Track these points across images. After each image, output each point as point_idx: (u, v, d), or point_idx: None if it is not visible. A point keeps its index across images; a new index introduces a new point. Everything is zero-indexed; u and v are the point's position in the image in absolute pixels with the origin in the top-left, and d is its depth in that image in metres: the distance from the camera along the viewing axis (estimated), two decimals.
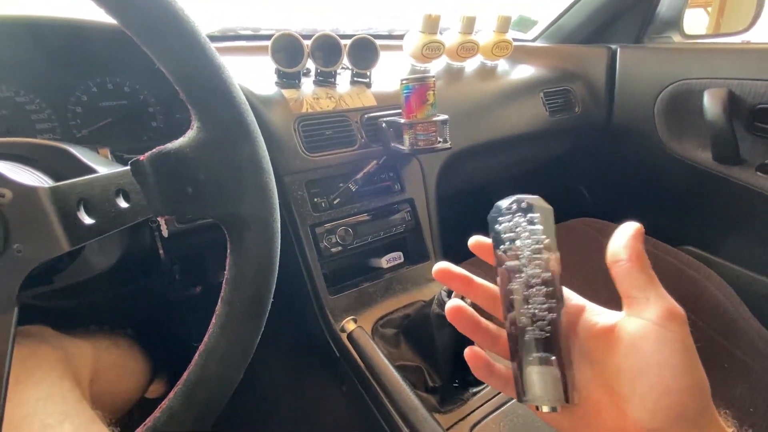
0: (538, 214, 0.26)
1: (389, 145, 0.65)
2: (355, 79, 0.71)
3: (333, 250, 0.63)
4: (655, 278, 0.23)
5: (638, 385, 0.22)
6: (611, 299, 0.76)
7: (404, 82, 0.59)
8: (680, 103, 0.91)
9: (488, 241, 0.27)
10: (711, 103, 0.83)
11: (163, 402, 0.28)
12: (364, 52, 0.69)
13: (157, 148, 0.27)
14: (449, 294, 0.50)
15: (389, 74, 0.74)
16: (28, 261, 0.26)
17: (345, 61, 0.67)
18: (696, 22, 1.28)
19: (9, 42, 0.49)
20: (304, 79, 0.67)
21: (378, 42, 0.69)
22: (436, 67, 0.86)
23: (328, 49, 0.66)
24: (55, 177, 0.33)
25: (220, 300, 0.29)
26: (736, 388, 0.61)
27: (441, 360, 0.53)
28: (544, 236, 0.26)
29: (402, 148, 0.62)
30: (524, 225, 0.26)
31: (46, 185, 0.26)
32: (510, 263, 0.26)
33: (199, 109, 0.28)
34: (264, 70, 0.66)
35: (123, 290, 0.64)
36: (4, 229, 0.25)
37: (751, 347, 0.68)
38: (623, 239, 0.24)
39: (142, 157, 0.27)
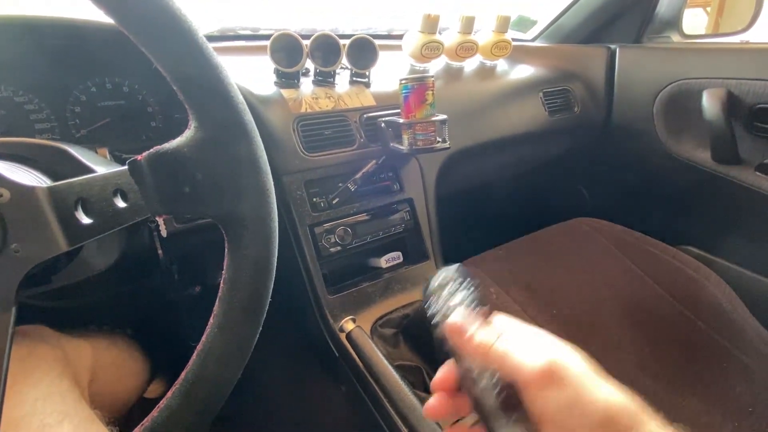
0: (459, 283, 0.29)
1: (388, 145, 0.65)
2: (354, 78, 0.71)
3: (332, 250, 0.63)
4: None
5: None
6: (610, 297, 0.76)
7: (403, 81, 0.59)
8: (679, 102, 0.91)
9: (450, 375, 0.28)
10: (710, 103, 0.83)
11: (161, 402, 0.28)
12: (363, 51, 0.69)
13: (155, 147, 0.27)
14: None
15: (388, 74, 0.75)
16: (27, 261, 0.26)
17: (344, 60, 0.68)
18: (695, 21, 1.29)
19: (8, 42, 0.49)
20: (303, 79, 0.67)
21: (377, 42, 0.69)
22: (435, 66, 0.86)
23: (327, 48, 0.66)
24: (54, 177, 0.33)
25: (217, 299, 0.29)
26: (735, 388, 0.61)
27: (440, 360, 0.53)
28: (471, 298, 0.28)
29: (401, 147, 0.62)
30: (457, 295, 0.28)
31: (45, 185, 0.26)
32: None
33: (197, 109, 0.28)
34: (263, 69, 0.66)
35: (122, 290, 0.64)
36: (2, 229, 0.26)
37: (750, 347, 0.68)
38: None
39: (139, 157, 0.27)
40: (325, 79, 0.68)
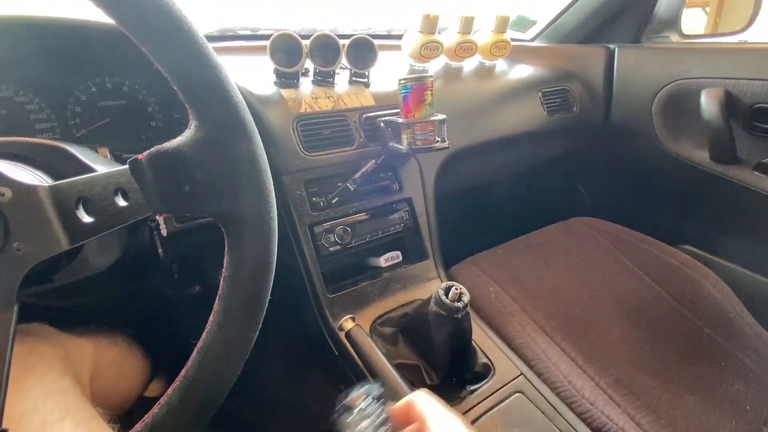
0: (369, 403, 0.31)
1: (387, 145, 0.66)
2: (354, 78, 0.72)
3: (331, 249, 0.63)
4: None
5: None
6: (608, 296, 0.76)
7: (402, 81, 0.59)
8: (678, 102, 0.92)
9: None
10: (708, 103, 0.84)
11: (162, 398, 0.28)
12: (363, 51, 0.69)
13: (155, 147, 0.28)
14: (447, 293, 0.50)
15: (388, 74, 0.75)
16: (28, 259, 0.27)
17: (343, 60, 0.68)
18: (694, 21, 1.29)
19: (8, 42, 0.49)
20: (302, 79, 0.68)
21: (376, 42, 0.69)
22: (434, 66, 0.87)
23: (326, 48, 0.66)
24: (55, 176, 0.34)
25: (217, 297, 0.30)
26: (733, 386, 0.61)
27: (439, 358, 0.54)
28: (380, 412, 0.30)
29: (400, 147, 0.62)
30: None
31: (46, 184, 0.27)
32: None
33: (197, 109, 0.28)
34: (263, 70, 0.66)
35: (122, 289, 0.64)
36: (3, 228, 0.26)
37: (747, 345, 0.68)
38: None
39: (140, 156, 0.27)
40: (324, 79, 0.69)
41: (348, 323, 0.58)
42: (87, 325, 0.60)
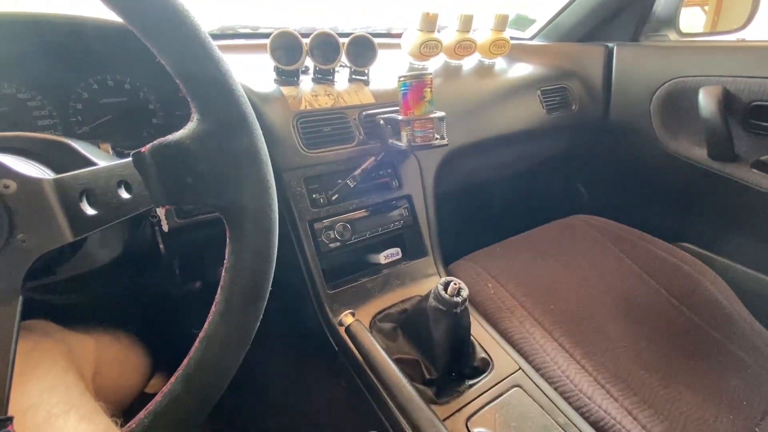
0: None
1: (387, 142, 0.66)
2: (354, 76, 0.72)
3: (331, 245, 0.64)
4: None
5: None
6: (607, 292, 0.77)
7: (401, 79, 0.60)
8: (676, 100, 0.92)
9: None
10: (706, 101, 0.84)
11: (164, 387, 0.29)
12: (363, 49, 0.70)
13: (158, 140, 0.28)
14: (445, 288, 0.50)
15: (387, 72, 0.75)
16: (32, 251, 0.27)
17: (343, 58, 0.68)
18: (693, 21, 1.29)
19: (10, 39, 0.49)
20: (302, 77, 0.68)
21: (376, 40, 0.69)
22: (433, 65, 0.87)
23: (326, 46, 0.66)
24: (58, 170, 0.34)
25: (219, 288, 0.30)
26: (730, 381, 0.62)
27: (438, 353, 0.54)
28: None
29: (399, 144, 0.63)
30: None
31: (50, 177, 0.27)
32: None
33: (199, 102, 0.28)
34: (263, 68, 0.66)
35: (124, 285, 0.65)
36: (8, 220, 0.26)
37: (744, 341, 0.68)
38: None
39: (143, 149, 0.28)
40: (324, 77, 0.69)
41: (348, 318, 0.58)
42: (89, 323, 0.61)
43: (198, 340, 0.29)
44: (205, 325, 0.30)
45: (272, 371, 0.77)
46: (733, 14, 1.12)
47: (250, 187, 0.30)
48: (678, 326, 0.70)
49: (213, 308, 0.30)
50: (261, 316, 0.32)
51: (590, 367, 0.58)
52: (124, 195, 0.28)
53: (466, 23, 0.84)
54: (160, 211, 0.49)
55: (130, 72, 0.59)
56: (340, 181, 0.65)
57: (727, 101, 0.83)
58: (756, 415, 0.58)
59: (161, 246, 0.53)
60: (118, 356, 0.61)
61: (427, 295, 0.54)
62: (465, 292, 0.50)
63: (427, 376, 0.55)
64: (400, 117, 0.62)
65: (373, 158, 0.66)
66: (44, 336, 0.44)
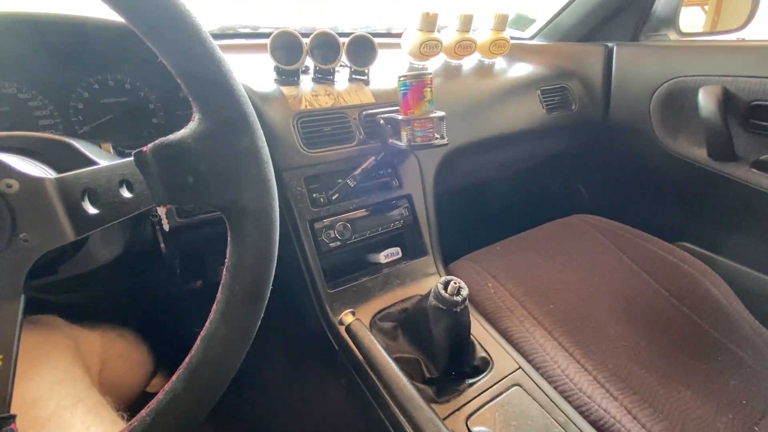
0: None
1: (387, 142, 0.66)
2: (354, 76, 0.72)
3: (331, 245, 0.64)
4: None
5: None
6: (607, 292, 0.77)
7: (401, 79, 0.60)
8: (676, 100, 0.92)
9: None
10: (706, 101, 0.84)
11: (166, 385, 0.29)
12: (363, 49, 0.70)
13: (160, 139, 0.28)
14: (445, 287, 0.51)
15: (387, 72, 0.75)
16: (35, 250, 0.27)
17: (343, 58, 0.68)
18: (693, 20, 1.29)
19: (11, 39, 0.50)
20: (302, 77, 0.68)
21: (376, 40, 0.69)
22: (433, 64, 0.87)
23: (326, 46, 0.66)
24: (59, 170, 0.34)
25: (220, 286, 0.30)
26: (729, 381, 0.62)
27: (438, 352, 0.54)
28: None
29: (400, 144, 0.63)
30: None
31: (52, 176, 0.27)
32: None
33: (200, 102, 0.28)
34: (263, 67, 0.66)
35: (125, 284, 0.65)
36: (11, 219, 0.26)
37: (744, 341, 0.69)
38: None
39: (145, 149, 0.28)
40: (324, 77, 0.69)
41: (348, 317, 0.58)
42: (91, 321, 0.61)
43: (199, 338, 0.30)
44: (206, 324, 0.30)
45: (273, 370, 0.77)
46: (732, 14, 1.12)
47: (251, 187, 0.30)
48: (678, 326, 0.70)
49: (214, 307, 0.30)
50: (262, 315, 0.32)
51: (590, 366, 0.58)
52: (126, 194, 0.28)
53: (466, 23, 0.84)
54: (161, 211, 0.50)
55: (130, 72, 0.59)
56: (340, 180, 0.65)
57: (727, 101, 0.83)
58: (755, 415, 0.58)
59: (162, 245, 0.53)
60: (123, 352, 0.62)
61: (427, 295, 0.54)
62: (465, 292, 0.50)
63: (427, 375, 0.55)
64: (400, 117, 0.62)
65: (373, 158, 0.66)
66: (54, 330, 0.45)
